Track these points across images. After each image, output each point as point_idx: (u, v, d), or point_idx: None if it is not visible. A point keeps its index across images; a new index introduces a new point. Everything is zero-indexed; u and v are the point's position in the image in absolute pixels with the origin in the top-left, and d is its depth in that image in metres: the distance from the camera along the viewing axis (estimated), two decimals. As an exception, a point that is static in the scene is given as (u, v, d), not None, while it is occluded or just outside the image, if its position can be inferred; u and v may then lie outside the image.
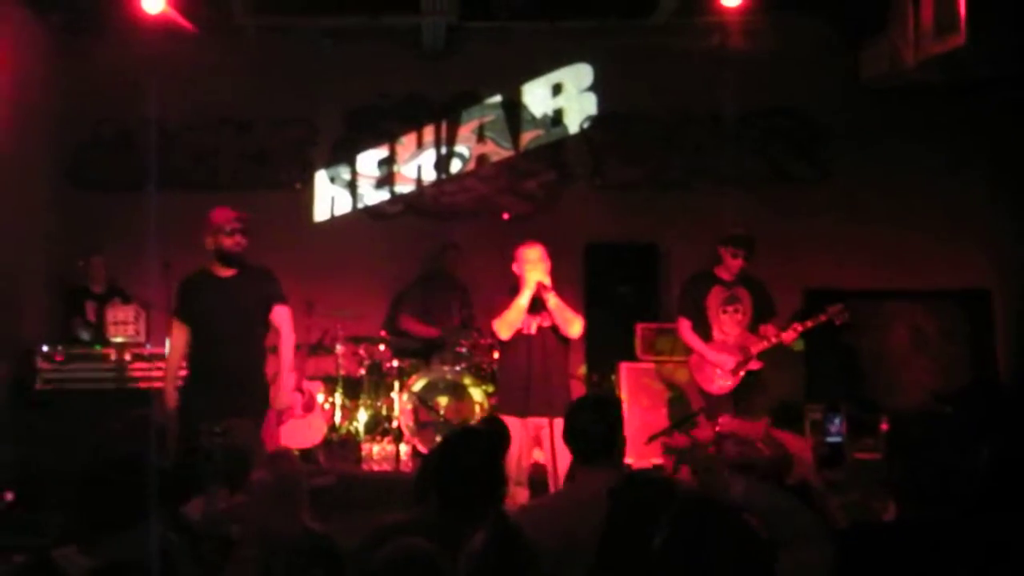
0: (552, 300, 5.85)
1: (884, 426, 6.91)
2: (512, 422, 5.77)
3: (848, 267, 8.36)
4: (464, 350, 7.58)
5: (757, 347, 6.58)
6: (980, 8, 6.51)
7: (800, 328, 6.58)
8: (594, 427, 3.56)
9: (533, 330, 5.91)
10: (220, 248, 5.75)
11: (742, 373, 6.62)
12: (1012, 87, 7.96)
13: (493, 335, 6.24)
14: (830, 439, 4.17)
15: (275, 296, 5.87)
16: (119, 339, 7.34)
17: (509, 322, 5.88)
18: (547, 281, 5.85)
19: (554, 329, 5.98)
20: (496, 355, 7.35)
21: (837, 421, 4.26)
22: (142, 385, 7.15)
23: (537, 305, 5.89)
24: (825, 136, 8.80)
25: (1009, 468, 2.95)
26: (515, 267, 5.98)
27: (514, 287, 5.92)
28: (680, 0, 8.02)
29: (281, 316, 5.88)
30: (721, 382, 6.62)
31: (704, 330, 6.74)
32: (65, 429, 6.65)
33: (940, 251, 8.46)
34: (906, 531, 2.83)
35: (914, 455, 2.90)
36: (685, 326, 6.77)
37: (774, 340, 6.53)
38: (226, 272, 5.83)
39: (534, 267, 5.88)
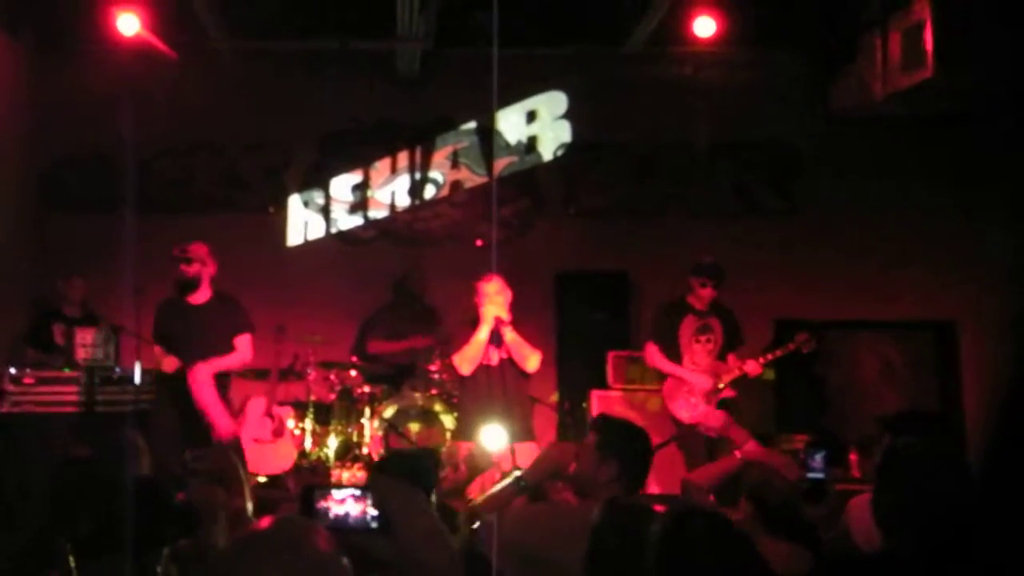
0: (509, 335, 5.93)
1: (853, 456, 6.98)
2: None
3: (818, 298, 8.43)
4: (436, 376, 7.57)
5: (727, 376, 6.63)
6: (947, 43, 6.64)
7: (765, 359, 6.66)
8: None
9: (495, 361, 5.97)
10: (175, 279, 6.43)
11: (715, 401, 6.68)
12: (978, 120, 8.10)
13: (454, 369, 6.29)
14: (812, 474, 4.15)
15: (241, 325, 6.47)
16: (88, 362, 7.28)
17: (469, 357, 5.96)
18: (505, 315, 5.92)
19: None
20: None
21: (819, 457, 4.24)
22: (111, 409, 7.08)
23: (498, 337, 5.95)
24: (796, 167, 8.89)
25: (985, 501, 2.93)
26: (476, 299, 6.03)
27: (474, 319, 5.98)
28: (653, 29, 8.11)
29: (242, 343, 6.47)
30: (694, 411, 6.66)
31: (674, 359, 6.80)
32: (32, 452, 6.58)
33: (908, 282, 8.55)
34: (892, 564, 2.81)
35: (906, 487, 2.87)
36: (652, 350, 6.83)
37: (738, 372, 6.60)
38: (195, 299, 6.42)
39: (492, 301, 5.95)
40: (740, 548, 2.39)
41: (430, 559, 2.99)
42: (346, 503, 2.80)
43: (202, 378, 6.34)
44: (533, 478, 3.90)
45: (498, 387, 5.92)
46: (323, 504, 2.80)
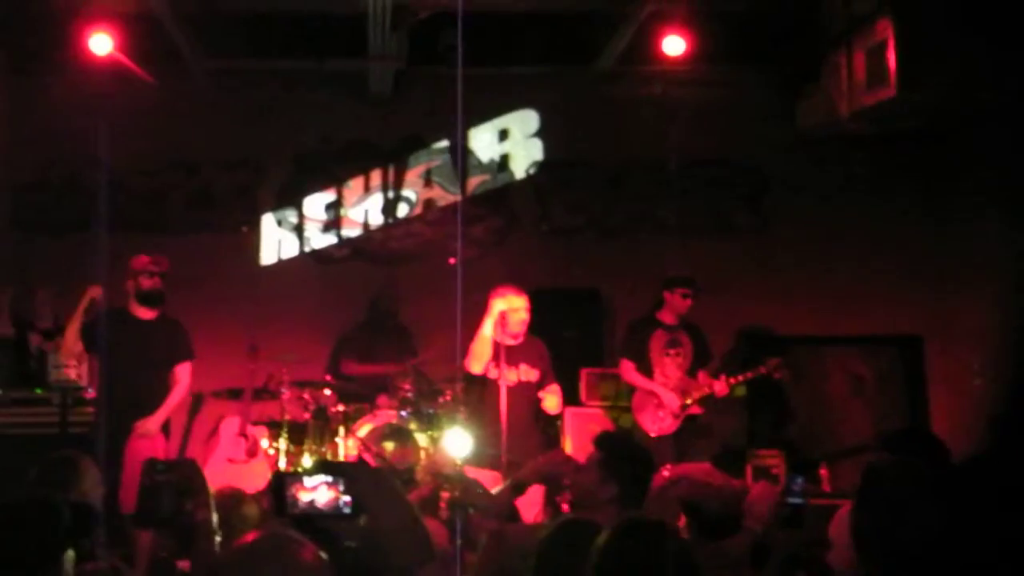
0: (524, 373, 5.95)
1: (823, 471, 7.07)
2: (486, 476, 5.79)
3: (787, 313, 8.50)
4: (410, 395, 7.58)
5: (696, 393, 6.72)
6: (909, 62, 6.74)
7: (735, 380, 6.76)
8: None
9: (512, 382, 5.95)
10: (139, 290, 6.44)
11: (683, 416, 6.78)
12: (942, 138, 8.22)
13: (463, 373, 6.33)
14: (792, 499, 4.11)
15: (183, 352, 6.57)
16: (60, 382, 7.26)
17: (476, 354, 5.97)
18: (515, 326, 5.94)
19: (537, 385, 6.06)
20: (447, 398, 7.40)
21: (800, 480, 4.22)
22: (85, 431, 7.06)
23: (513, 356, 5.96)
24: (765, 184, 8.96)
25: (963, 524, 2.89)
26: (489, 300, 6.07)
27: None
28: (623, 48, 8.19)
29: (183, 371, 6.55)
30: (662, 424, 6.77)
31: (646, 373, 6.92)
32: (3, 475, 6.54)
33: (876, 297, 8.62)
34: None
35: (881, 508, 2.84)
36: (628, 367, 6.93)
37: (707, 390, 6.69)
38: (145, 315, 6.48)
39: (505, 300, 5.99)
40: (680, 559, 2.42)
41: (403, 543, 3.01)
42: (318, 490, 2.82)
43: (151, 431, 6.34)
44: (527, 479, 3.94)
45: (514, 410, 5.89)
46: (294, 491, 2.82)
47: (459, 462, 5.91)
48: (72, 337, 6.48)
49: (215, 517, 3.80)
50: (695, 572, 2.44)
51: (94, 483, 4.00)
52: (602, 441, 3.84)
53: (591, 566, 2.41)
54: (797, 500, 4.28)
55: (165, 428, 6.62)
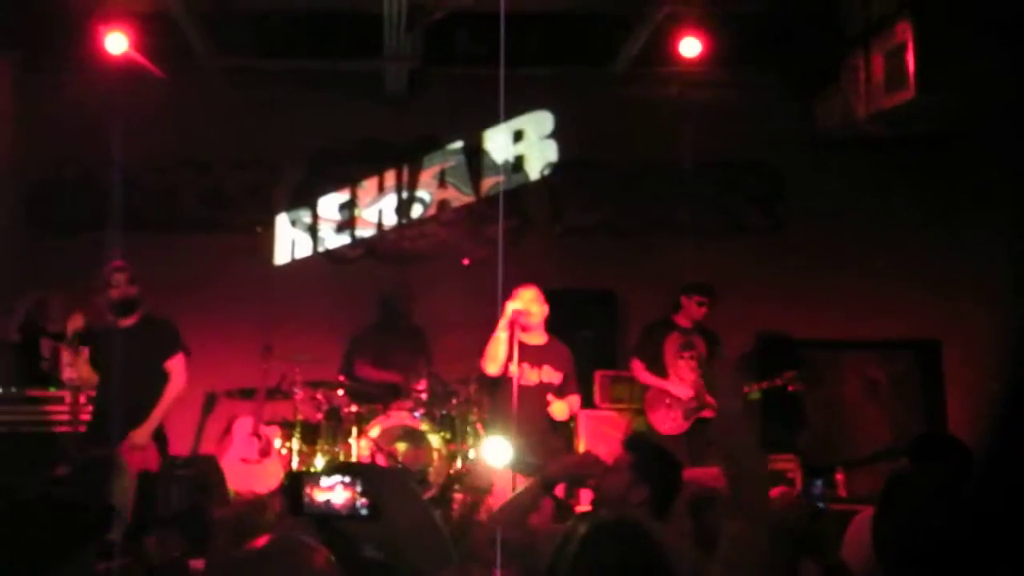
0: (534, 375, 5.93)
1: (839, 476, 7.04)
2: (500, 476, 5.76)
3: (802, 316, 8.46)
4: (423, 396, 7.57)
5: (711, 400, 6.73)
6: (928, 64, 6.70)
7: (750, 389, 6.76)
8: None
9: (533, 382, 5.92)
10: (110, 302, 6.12)
11: (693, 418, 6.79)
12: (960, 141, 8.17)
13: (479, 374, 6.29)
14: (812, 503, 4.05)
15: (171, 348, 6.20)
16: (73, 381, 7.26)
17: (491, 355, 5.91)
18: (529, 313, 5.90)
19: (558, 389, 6.02)
20: (460, 400, 7.39)
21: (819, 484, 4.17)
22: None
23: (537, 356, 5.92)
24: (781, 186, 8.93)
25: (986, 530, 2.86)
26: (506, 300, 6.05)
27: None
28: (639, 49, 8.17)
29: (174, 365, 6.19)
30: (672, 424, 6.79)
31: (660, 375, 6.92)
32: (17, 473, 6.55)
33: (893, 301, 8.57)
34: None
35: (901, 517, 2.82)
36: (639, 367, 6.96)
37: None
38: (125, 322, 6.19)
39: (519, 298, 5.96)
40: (648, 557, 2.40)
41: (421, 545, 2.98)
42: (335, 490, 2.79)
43: (142, 443, 6.07)
44: (555, 475, 3.88)
45: (535, 410, 5.85)
46: (311, 491, 2.79)
47: (498, 472, 5.78)
48: (87, 372, 6.30)
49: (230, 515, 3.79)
50: (668, 571, 2.42)
51: (127, 483, 3.99)
52: (634, 444, 3.79)
53: (568, 560, 2.40)
54: (818, 504, 4.22)
55: (161, 436, 6.28)
